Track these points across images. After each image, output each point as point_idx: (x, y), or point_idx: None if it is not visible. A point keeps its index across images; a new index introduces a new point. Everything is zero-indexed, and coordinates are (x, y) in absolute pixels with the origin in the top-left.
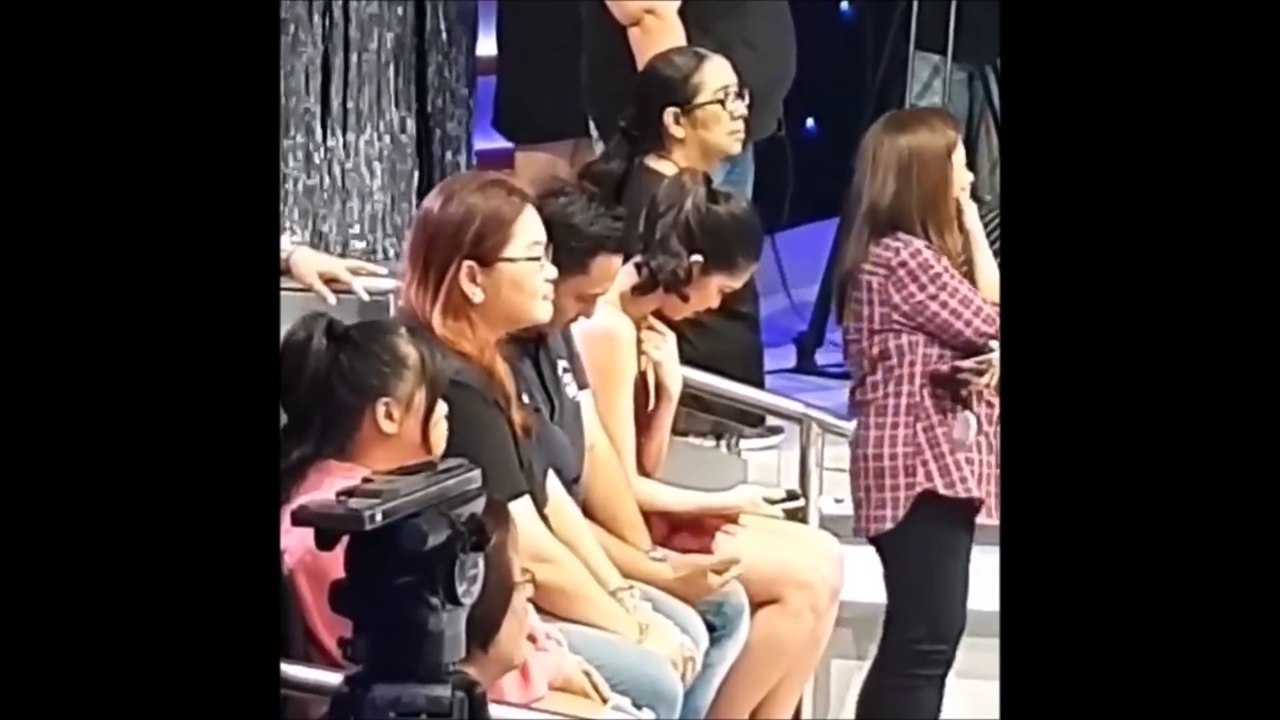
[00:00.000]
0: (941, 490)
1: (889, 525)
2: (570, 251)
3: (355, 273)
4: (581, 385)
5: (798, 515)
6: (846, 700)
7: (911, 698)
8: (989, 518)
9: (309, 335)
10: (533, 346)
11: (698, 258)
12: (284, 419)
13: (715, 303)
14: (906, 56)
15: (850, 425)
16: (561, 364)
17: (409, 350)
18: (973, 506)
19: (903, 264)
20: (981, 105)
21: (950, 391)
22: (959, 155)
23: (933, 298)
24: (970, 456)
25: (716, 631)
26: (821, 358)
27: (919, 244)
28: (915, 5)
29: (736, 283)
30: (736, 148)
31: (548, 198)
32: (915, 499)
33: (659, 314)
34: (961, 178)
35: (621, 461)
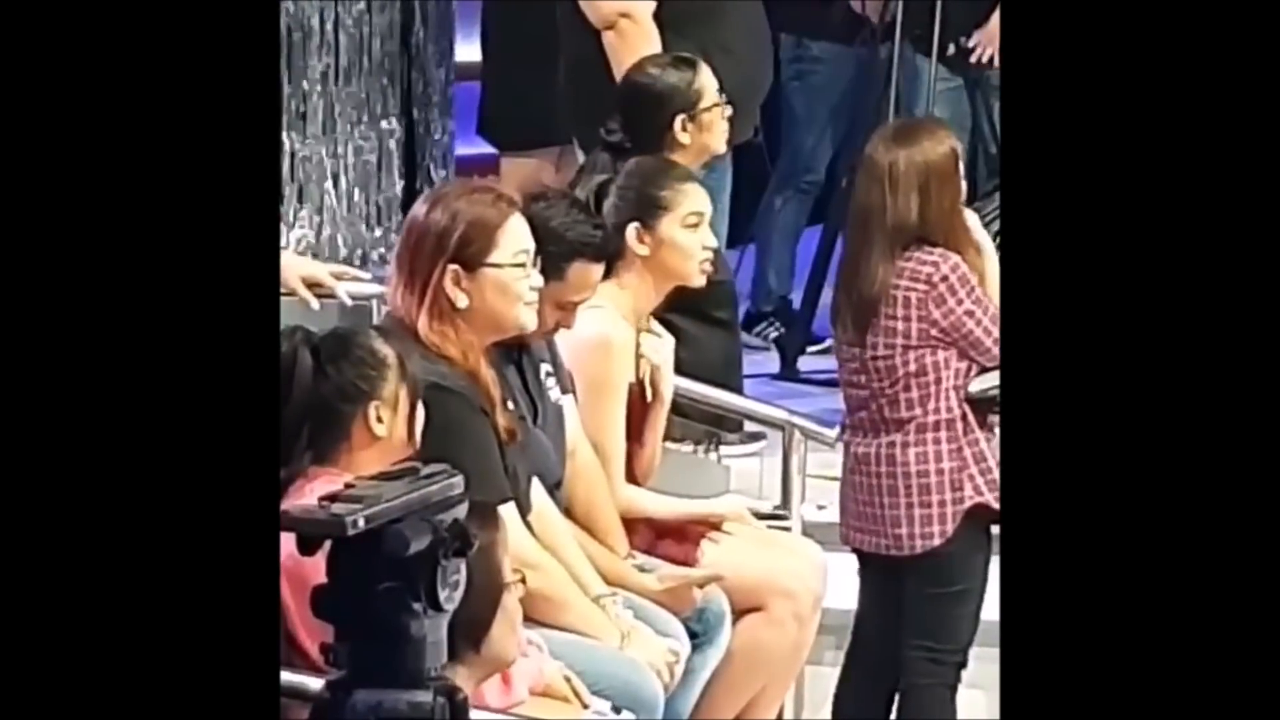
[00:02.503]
0: (994, 504)
1: (937, 541)
2: (548, 257)
3: (338, 277)
4: (564, 390)
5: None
6: (826, 708)
7: (948, 706)
8: None
9: (293, 350)
10: (515, 351)
11: (634, 225)
12: None
13: (707, 240)
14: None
15: (832, 433)
16: (545, 368)
17: (387, 351)
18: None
19: (944, 278)
20: (978, 110)
21: (984, 409)
22: (962, 168)
23: (969, 314)
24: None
25: (698, 638)
26: (804, 364)
27: (955, 258)
28: (899, 9)
29: (693, 207)
30: (723, 146)
31: (527, 202)
32: (965, 513)
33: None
34: (964, 188)
35: (608, 469)
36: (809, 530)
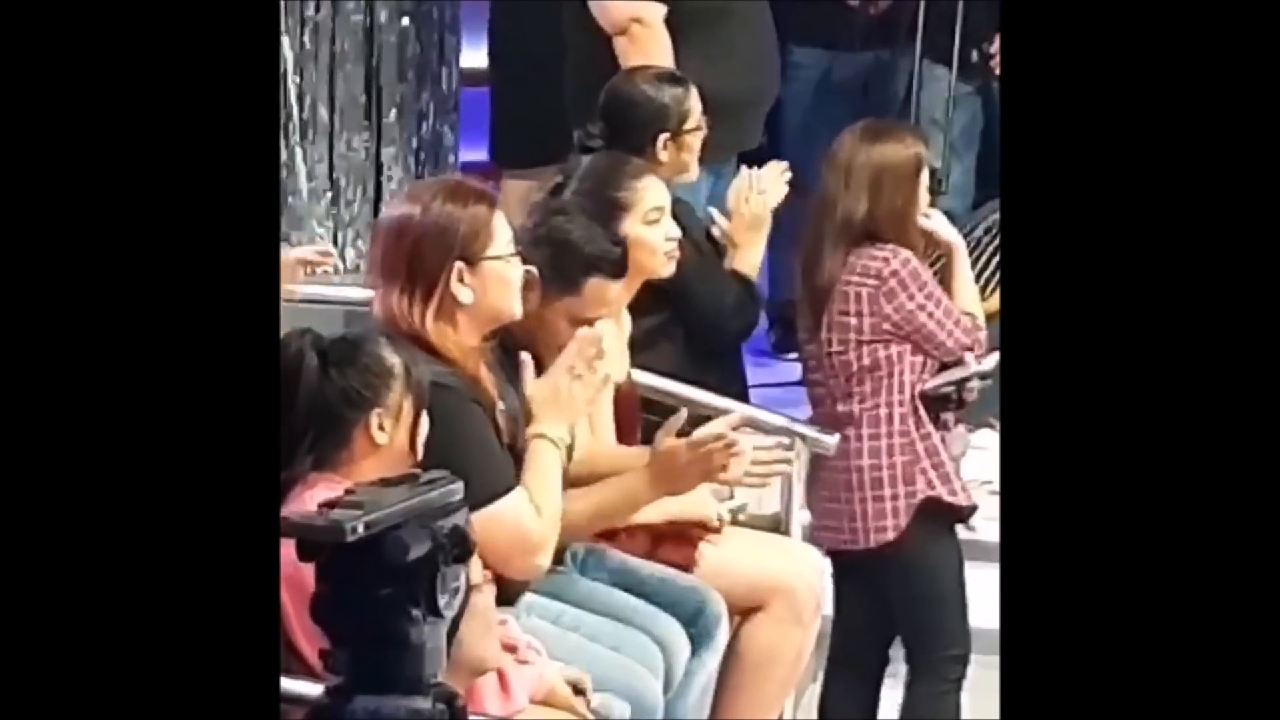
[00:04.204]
0: (945, 498)
1: (890, 535)
2: (564, 270)
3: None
4: None
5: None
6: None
7: (948, 703)
8: (968, 530)
9: (299, 352)
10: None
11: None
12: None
13: (671, 231)
14: (914, 67)
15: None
16: None
17: (394, 359)
18: (962, 515)
19: (894, 273)
20: (992, 117)
21: (940, 408)
22: (925, 175)
23: (921, 308)
24: (960, 466)
25: (695, 640)
26: None
27: (906, 253)
28: (921, 15)
29: (654, 203)
30: (696, 172)
31: (548, 215)
32: (916, 507)
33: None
34: (924, 194)
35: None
36: (808, 535)
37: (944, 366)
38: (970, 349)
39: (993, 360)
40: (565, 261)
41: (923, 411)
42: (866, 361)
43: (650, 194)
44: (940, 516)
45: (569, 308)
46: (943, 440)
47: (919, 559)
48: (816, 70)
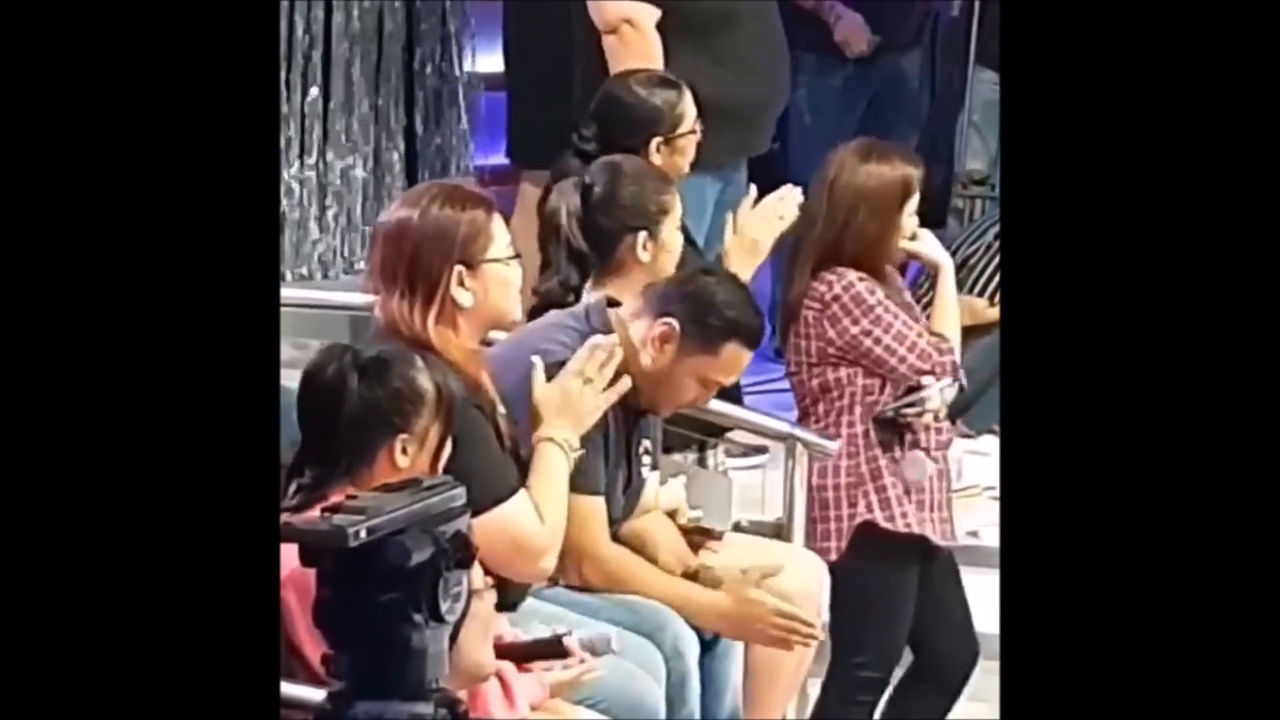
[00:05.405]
0: (882, 523)
1: (834, 556)
2: (705, 329)
3: None
4: (654, 467)
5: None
6: None
7: (852, 716)
8: (949, 540)
9: (340, 371)
10: (633, 419)
11: (643, 233)
12: (307, 451)
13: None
14: (965, 74)
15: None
16: (645, 443)
17: (428, 385)
18: (915, 541)
19: (836, 298)
20: None
21: (896, 432)
22: (913, 200)
23: (866, 333)
24: (919, 489)
25: (705, 642)
26: None
27: (852, 276)
28: (975, 22)
29: (681, 209)
30: (686, 170)
31: (697, 273)
32: (854, 529)
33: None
34: (909, 223)
35: None
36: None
37: (911, 390)
38: (930, 372)
39: (943, 384)
40: (707, 321)
41: (874, 435)
42: (816, 384)
43: (679, 200)
44: (878, 542)
45: (700, 367)
46: (894, 465)
47: (854, 580)
48: (825, 77)
